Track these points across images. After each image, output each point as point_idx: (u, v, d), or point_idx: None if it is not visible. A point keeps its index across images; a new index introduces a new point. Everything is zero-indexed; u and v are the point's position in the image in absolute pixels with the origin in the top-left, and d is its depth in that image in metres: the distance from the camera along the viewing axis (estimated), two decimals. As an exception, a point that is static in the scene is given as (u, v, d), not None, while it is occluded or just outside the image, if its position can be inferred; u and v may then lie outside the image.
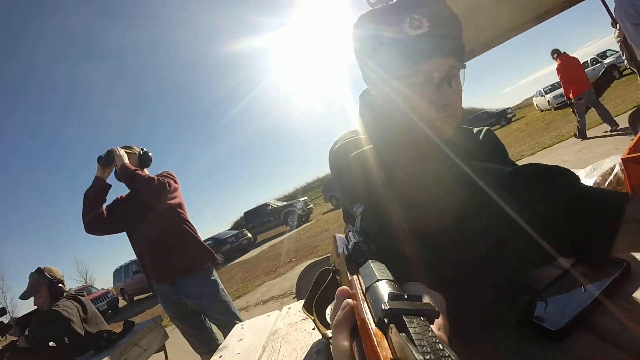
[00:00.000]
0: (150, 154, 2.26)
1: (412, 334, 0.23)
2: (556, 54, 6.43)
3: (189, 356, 3.58)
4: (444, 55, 0.61)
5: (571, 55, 6.45)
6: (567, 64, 6.29)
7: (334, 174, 0.72)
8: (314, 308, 0.65)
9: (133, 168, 2.03)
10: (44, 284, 2.10)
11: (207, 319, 2.22)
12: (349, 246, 0.47)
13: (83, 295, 2.09)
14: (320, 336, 0.79)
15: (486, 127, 0.80)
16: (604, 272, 0.52)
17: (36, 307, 2.11)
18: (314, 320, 0.65)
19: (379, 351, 0.24)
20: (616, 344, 0.41)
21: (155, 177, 2.05)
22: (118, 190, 2.26)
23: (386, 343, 0.25)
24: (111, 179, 2.13)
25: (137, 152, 2.21)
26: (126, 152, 2.11)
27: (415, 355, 0.20)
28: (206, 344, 2.20)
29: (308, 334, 0.84)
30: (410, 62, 0.61)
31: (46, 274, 2.13)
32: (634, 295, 0.47)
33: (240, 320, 2.11)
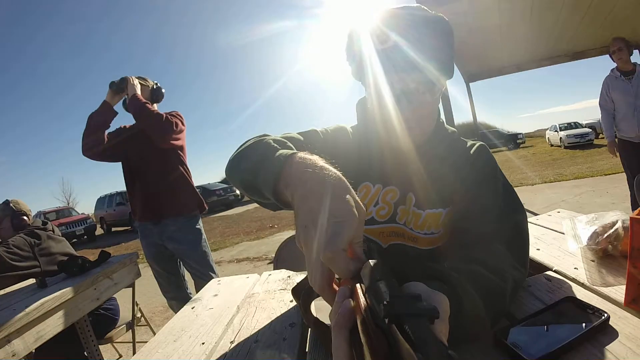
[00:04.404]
0: (163, 90, 2.22)
1: (412, 334, 0.23)
2: None
3: (154, 298, 3.67)
4: (405, 71, 0.66)
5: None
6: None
7: None
8: (303, 296, 0.67)
9: (143, 100, 2.01)
10: (7, 215, 2.10)
11: (182, 265, 2.25)
12: None
13: (44, 229, 2.09)
14: (296, 309, 0.81)
15: (480, 143, 0.82)
16: (585, 318, 0.54)
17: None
18: (300, 306, 0.66)
19: (379, 351, 0.24)
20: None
21: (164, 115, 2.02)
22: (123, 119, 2.24)
23: (386, 343, 0.25)
24: (119, 107, 2.10)
25: (150, 86, 2.17)
26: (140, 83, 2.08)
27: (415, 355, 0.20)
28: (175, 290, 2.24)
29: (285, 304, 0.86)
30: (377, 72, 0.68)
31: (11, 205, 2.13)
32: (606, 347, 0.49)
33: (215, 274, 2.15)
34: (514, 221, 0.69)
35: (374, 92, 0.72)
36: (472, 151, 0.79)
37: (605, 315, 0.54)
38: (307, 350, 0.66)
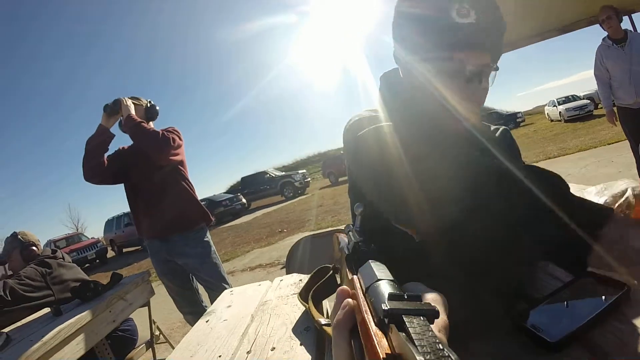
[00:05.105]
0: (157, 108, 2.22)
1: (412, 334, 0.23)
2: None
3: (171, 314, 3.67)
4: (482, 50, 0.61)
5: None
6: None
7: (349, 147, 0.71)
8: (311, 299, 0.66)
9: (138, 120, 2.00)
10: (16, 247, 2.10)
11: (194, 279, 2.25)
12: (349, 246, 0.47)
13: (54, 257, 2.09)
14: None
15: (503, 127, 0.81)
16: (605, 292, 0.52)
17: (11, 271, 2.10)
18: (308, 308, 0.66)
19: (379, 351, 0.24)
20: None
21: (160, 132, 2.02)
22: (121, 140, 2.25)
23: (386, 343, 0.25)
24: (115, 129, 2.10)
25: (144, 104, 2.17)
26: (133, 103, 2.08)
27: (415, 355, 0.20)
28: (191, 304, 2.24)
29: (299, 309, 0.85)
30: (447, 47, 0.60)
31: (19, 237, 2.13)
32: (632, 320, 0.48)
33: (228, 285, 2.14)
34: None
35: (436, 72, 0.63)
36: (497, 134, 0.78)
37: (626, 287, 0.52)
38: (325, 352, 0.65)
